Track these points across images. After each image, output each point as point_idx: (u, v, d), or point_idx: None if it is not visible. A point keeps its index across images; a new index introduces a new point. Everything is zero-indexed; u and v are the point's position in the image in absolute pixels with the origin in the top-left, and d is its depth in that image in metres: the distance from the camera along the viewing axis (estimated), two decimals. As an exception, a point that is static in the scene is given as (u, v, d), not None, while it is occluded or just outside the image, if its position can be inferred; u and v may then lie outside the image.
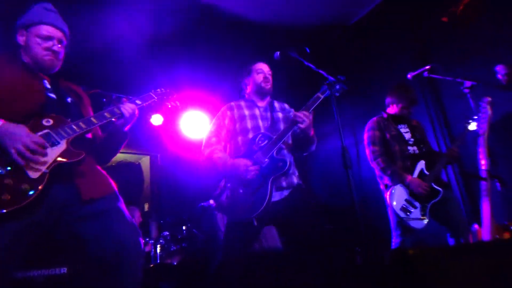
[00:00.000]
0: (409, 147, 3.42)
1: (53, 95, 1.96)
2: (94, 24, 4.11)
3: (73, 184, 1.81)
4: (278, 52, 2.76)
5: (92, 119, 1.92)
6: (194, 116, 5.88)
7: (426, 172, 3.30)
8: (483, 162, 2.99)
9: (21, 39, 2.00)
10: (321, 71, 2.56)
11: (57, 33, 2.01)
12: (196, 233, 4.77)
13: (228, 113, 2.88)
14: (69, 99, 2.04)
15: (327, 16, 5.13)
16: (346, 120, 3.47)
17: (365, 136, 3.57)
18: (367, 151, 3.51)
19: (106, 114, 1.97)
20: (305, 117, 2.56)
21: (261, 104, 2.93)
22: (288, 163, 2.51)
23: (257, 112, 2.87)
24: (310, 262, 2.38)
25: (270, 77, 2.91)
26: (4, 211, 1.51)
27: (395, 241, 3.25)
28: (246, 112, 2.86)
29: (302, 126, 2.56)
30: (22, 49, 2.00)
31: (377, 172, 3.44)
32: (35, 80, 1.96)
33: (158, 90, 2.39)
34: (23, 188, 1.58)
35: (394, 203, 3.22)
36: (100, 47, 4.45)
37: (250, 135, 2.74)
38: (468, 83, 3.19)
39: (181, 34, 4.82)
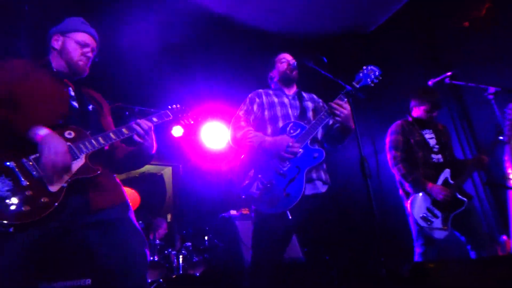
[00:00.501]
0: (433, 155, 3.32)
1: (76, 104, 2.04)
2: (111, 34, 4.24)
3: (84, 195, 1.85)
4: (295, 62, 2.80)
5: (111, 134, 1.97)
6: (214, 127, 5.97)
7: (450, 181, 3.21)
8: (510, 171, 2.91)
9: (56, 44, 2.11)
10: (339, 81, 2.56)
11: (92, 42, 2.18)
12: (218, 244, 4.81)
13: (257, 99, 2.78)
14: (90, 107, 2.11)
15: (345, 25, 5.16)
16: (365, 128, 3.43)
17: (387, 140, 3.49)
18: (388, 156, 3.43)
19: (124, 130, 2.02)
20: (340, 107, 2.45)
21: (289, 92, 2.86)
22: (324, 155, 2.44)
23: (286, 100, 2.79)
24: (334, 273, 2.39)
25: (294, 65, 2.83)
26: (24, 222, 1.57)
27: (417, 251, 3.19)
28: (275, 99, 2.77)
29: (339, 117, 2.45)
30: (56, 53, 2.11)
31: (398, 178, 3.37)
32: (62, 88, 2.03)
33: (174, 106, 2.41)
34: (43, 201, 1.64)
35: (415, 211, 3.16)
36: (120, 58, 4.58)
37: (280, 124, 2.64)
38: (492, 89, 3.12)
39: (199, 45, 4.95)
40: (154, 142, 2.14)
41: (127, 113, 5.16)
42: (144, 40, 4.58)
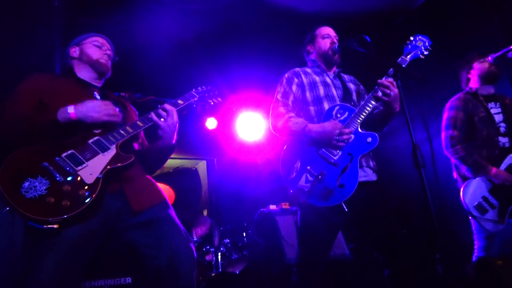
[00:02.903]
0: (500, 138, 3.08)
1: None
2: (145, 26, 4.31)
3: (123, 194, 1.94)
4: (336, 45, 2.69)
5: (138, 122, 2.09)
6: (250, 118, 5.95)
7: None
8: None
9: (75, 53, 2.29)
10: (385, 61, 2.46)
11: (107, 44, 2.37)
12: (257, 240, 4.82)
13: (295, 79, 2.64)
14: (117, 110, 2.19)
15: (388, 1, 4.95)
16: (416, 112, 3.29)
17: (445, 116, 3.25)
18: (443, 135, 3.22)
19: (150, 116, 2.12)
20: (391, 85, 2.32)
21: (329, 72, 2.73)
22: (378, 138, 2.32)
23: (328, 79, 2.66)
24: (386, 271, 2.31)
25: (336, 48, 2.67)
26: (66, 216, 1.66)
27: (478, 245, 3.02)
28: (317, 78, 2.64)
29: (389, 97, 2.33)
30: (76, 62, 2.28)
31: (454, 160, 3.16)
32: (87, 93, 2.16)
33: (200, 88, 2.49)
34: (81, 194, 1.74)
35: (468, 198, 2.97)
36: (153, 49, 4.65)
37: (326, 106, 2.52)
38: None
39: (233, 32, 4.92)
40: (176, 132, 2.19)
41: (159, 106, 5.25)
42: (177, 30, 4.64)
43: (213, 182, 7.52)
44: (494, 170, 2.98)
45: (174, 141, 2.19)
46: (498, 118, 3.14)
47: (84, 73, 2.25)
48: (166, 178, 7.30)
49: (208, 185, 7.62)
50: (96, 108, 1.93)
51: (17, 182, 1.66)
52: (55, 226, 1.65)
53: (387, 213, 2.43)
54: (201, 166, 8.08)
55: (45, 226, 1.64)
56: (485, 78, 3.25)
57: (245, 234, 4.96)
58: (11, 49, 3.77)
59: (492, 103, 3.21)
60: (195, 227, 5.41)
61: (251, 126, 5.97)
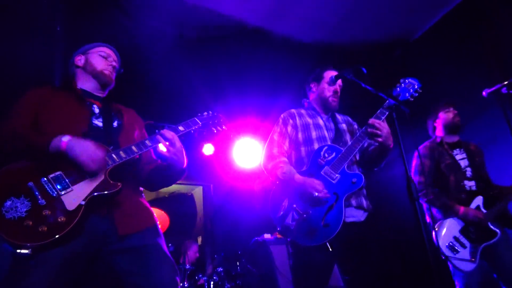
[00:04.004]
0: (466, 182, 3.22)
1: (99, 121, 2.10)
2: (142, 52, 4.37)
3: (110, 215, 1.87)
4: (333, 75, 2.75)
5: (133, 147, 1.98)
6: (247, 144, 5.96)
7: (483, 209, 3.09)
8: None
9: (80, 62, 2.27)
10: (380, 94, 2.49)
11: (113, 55, 2.34)
12: (251, 270, 4.75)
13: (291, 121, 2.74)
14: (115, 123, 2.16)
15: (386, 33, 5.06)
16: (411, 144, 3.36)
17: (413, 163, 3.43)
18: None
19: (147, 142, 2.02)
20: (380, 125, 2.40)
21: (323, 115, 2.82)
22: (363, 179, 2.37)
23: (320, 121, 2.75)
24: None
25: (339, 92, 2.79)
26: (40, 243, 1.60)
27: (458, 285, 3.02)
28: (310, 121, 2.74)
29: (380, 137, 2.39)
30: (80, 71, 2.25)
31: (425, 204, 3.28)
32: (83, 107, 2.10)
33: (205, 113, 2.41)
34: (60, 221, 1.68)
35: (441, 239, 3.02)
36: (150, 76, 4.70)
37: (315, 146, 2.60)
38: (557, 100, 2.95)
39: (231, 59, 5.00)
40: (184, 155, 2.10)
41: (157, 131, 5.27)
42: (174, 55, 4.70)
43: (208, 208, 7.45)
44: (462, 209, 3.08)
45: (184, 165, 2.11)
46: (463, 163, 3.29)
47: (87, 84, 2.22)
48: (161, 203, 7.25)
49: (204, 211, 7.55)
50: (85, 151, 1.81)
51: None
52: (28, 251, 1.60)
53: (380, 249, 2.44)
54: (197, 192, 8.03)
55: (18, 250, 1.59)
56: (449, 128, 3.42)
57: (239, 263, 4.89)
58: (11, 59, 3.78)
59: (457, 149, 3.37)
60: (184, 253, 5.35)
61: (248, 153, 5.97)
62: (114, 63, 2.29)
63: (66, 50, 3.89)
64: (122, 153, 1.94)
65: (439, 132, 3.47)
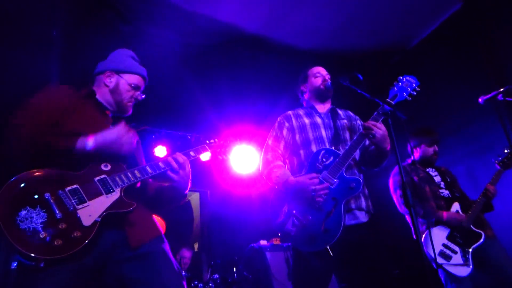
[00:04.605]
0: (441, 190, 3.35)
1: None
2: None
3: (122, 230, 1.86)
4: (329, 82, 2.74)
5: (147, 168, 1.99)
6: (244, 151, 5.94)
7: (461, 214, 3.18)
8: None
9: (109, 81, 2.19)
10: (375, 99, 2.49)
11: (143, 84, 2.29)
12: (247, 276, 4.71)
13: (286, 123, 2.71)
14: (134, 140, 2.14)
15: (383, 41, 5.08)
16: (407, 152, 3.39)
17: (391, 182, 3.52)
18: (394, 198, 3.47)
19: (160, 164, 2.03)
20: (375, 127, 2.35)
21: (322, 110, 2.77)
22: (362, 183, 2.36)
23: (318, 120, 2.70)
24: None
25: (329, 80, 2.75)
26: (54, 257, 1.58)
27: None
28: (307, 121, 2.69)
29: (374, 139, 2.36)
30: (107, 90, 2.19)
31: (409, 218, 3.33)
32: (104, 120, 2.10)
33: (212, 141, 2.44)
34: (75, 236, 1.65)
35: (429, 249, 2.98)
36: (146, 82, 4.70)
37: (314, 148, 2.56)
38: (553, 106, 2.97)
39: (228, 66, 5.01)
40: (189, 180, 2.13)
41: (153, 136, 5.27)
42: (172, 61, 4.70)
43: (205, 214, 7.42)
44: (445, 214, 3.17)
45: (187, 191, 2.14)
46: (437, 179, 3.45)
47: (105, 103, 2.18)
48: (158, 209, 7.20)
49: (201, 217, 7.52)
50: (118, 140, 1.88)
51: (15, 207, 1.58)
52: (41, 264, 1.57)
53: (379, 253, 2.41)
54: (194, 198, 7.99)
55: (30, 262, 1.56)
56: (426, 161, 3.58)
57: (235, 269, 4.86)
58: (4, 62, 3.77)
59: (429, 168, 3.55)
60: (179, 261, 5.32)
61: (245, 159, 5.95)
62: (140, 98, 2.25)
63: (62, 55, 3.89)
64: (137, 173, 1.95)
65: (416, 156, 3.63)
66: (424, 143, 3.55)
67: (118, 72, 2.21)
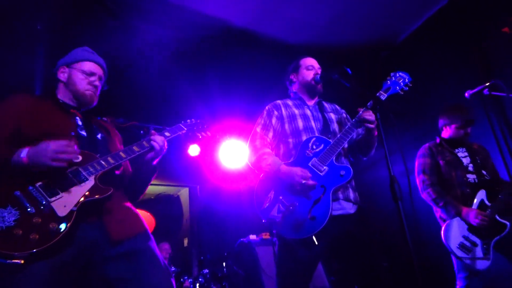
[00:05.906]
0: (469, 175, 3.21)
1: (83, 132, 2.07)
2: (126, 51, 4.32)
3: (101, 223, 1.83)
4: (319, 75, 2.75)
5: (121, 153, 1.98)
6: (233, 145, 5.95)
7: (487, 202, 3.06)
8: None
9: (62, 76, 2.17)
10: (366, 92, 2.51)
11: (99, 71, 2.23)
12: (237, 271, 4.73)
13: (275, 112, 2.70)
14: (99, 136, 2.13)
15: (372, 35, 5.10)
16: (395, 146, 3.39)
17: (416, 163, 3.44)
18: (417, 181, 3.38)
19: (134, 148, 2.02)
20: (371, 117, 2.39)
21: (310, 103, 2.77)
22: (351, 172, 2.34)
23: (307, 111, 2.70)
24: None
25: (318, 78, 2.74)
26: (33, 251, 1.56)
27: (459, 285, 3.02)
28: (296, 111, 2.69)
29: (371, 125, 2.40)
30: (62, 86, 2.17)
31: (429, 203, 3.27)
32: (67, 118, 2.06)
33: (188, 121, 2.44)
34: (51, 227, 1.63)
35: (450, 240, 3.00)
36: (135, 75, 4.65)
37: (303, 137, 2.55)
38: (537, 100, 3.00)
39: (217, 60, 4.98)
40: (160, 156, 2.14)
41: (142, 132, 5.23)
42: (159, 56, 4.66)
43: (195, 209, 7.42)
44: (464, 209, 3.06)
45: (155, 163, 2.14)
46: (465, 161, 3.29)
47: (68, 100, 2.15)
48: (147, 204, 7.19)
49: (190, 213, 7.51)
50: (43, 152, 1.70)
51: None
52: (20, 261, 1.54)
53: (368, 245, 2.41)
54: (184, 194, 7.98)
55: (9, 261, 1.53)
56: (453, 141, 3.41)
57: (225, 264, 4.87)
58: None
59: (459, 148, 3.37)
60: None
61: (234, 154, 5.96)
62: (96, 83, 2.18)
63: (47, 50, 3.82)
64: (110, 159, 1.93)
65: (445, 134, 3.47)
66: (455, 124, 3.38)
67: (69, 64, 2.19)
